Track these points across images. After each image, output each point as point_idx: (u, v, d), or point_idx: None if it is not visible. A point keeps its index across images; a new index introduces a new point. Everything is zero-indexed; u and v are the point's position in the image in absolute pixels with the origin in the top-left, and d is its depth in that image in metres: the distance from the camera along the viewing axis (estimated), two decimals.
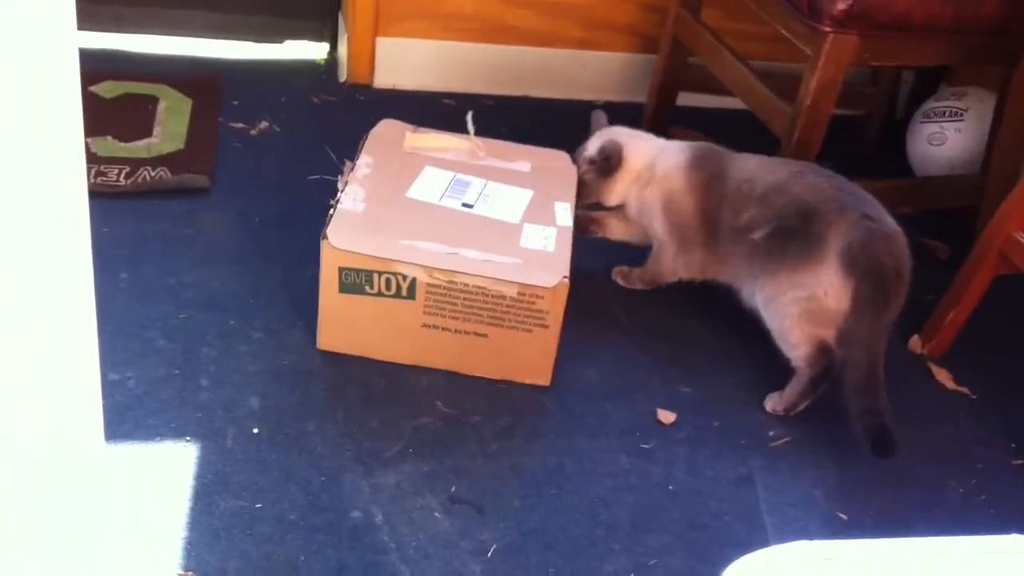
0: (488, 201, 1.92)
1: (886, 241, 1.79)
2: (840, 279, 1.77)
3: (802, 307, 1.80)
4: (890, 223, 1.83)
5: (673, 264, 2.04)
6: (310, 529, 1.52)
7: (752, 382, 1.94)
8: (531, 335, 1.80)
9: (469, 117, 2.05)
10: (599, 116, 2.18)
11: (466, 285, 1.75)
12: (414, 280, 1.75)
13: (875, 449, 1.75)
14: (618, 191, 2.07)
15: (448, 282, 1.75)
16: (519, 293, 1.75)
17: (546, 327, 1.79)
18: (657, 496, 1.68)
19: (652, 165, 2.03)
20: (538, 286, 1.75)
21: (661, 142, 2.09)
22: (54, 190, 0.91)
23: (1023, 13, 2.08)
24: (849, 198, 1.84)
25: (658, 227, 2.02)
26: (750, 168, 1.95)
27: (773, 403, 1.88)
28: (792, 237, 1.82)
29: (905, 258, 1.81)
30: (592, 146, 2.07)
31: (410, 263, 1.74)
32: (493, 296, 1.76)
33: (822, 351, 1.81)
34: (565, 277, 1.76)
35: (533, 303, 1.76)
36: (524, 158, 2.06)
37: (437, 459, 1.68)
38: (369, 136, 2.03)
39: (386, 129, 2.06)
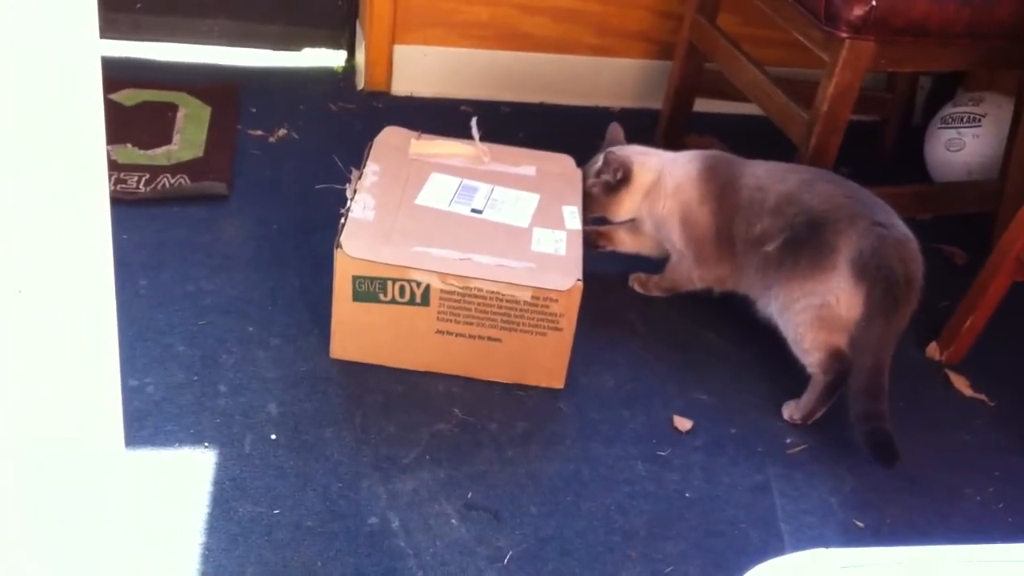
0: (496, 206, 1.93)
1: (897, 248, 1.79)
2: (851, 287, 1.78)
3: (814, 314, 1.81)
4: (901, 229, 1.83)
5: (691, 275, 2.04)
6: (328, 535, 1.53)
7: (769, 389, 1.94)
8: (545, 338, 1.80)
9: (473, 123, 2.06)
10: (615, 130, 2.16)
11: (480, 290, 1.76)
12: (428, 287, 1.76)
13: (878, 456, 1.76)
14: (626, 207, 2.05)
15: (462, 288, 1.76)
16: (533, 297, 1.76)
17: (560, 330, 1.79)
18: (674, 503, 1.68)
19: (662, 179, 2.01)
20: (552, 289, 1.76)
21: (669, 155, 2.07)
22: (77, 197, 0.92)
23: None
24: (859, 205, 1.84)
25: (676, 240, 2.02)
26: (761, 176, 1.94)
27: (790, 411, 1.88)
28: (804, 246, 1.82)
29: (916, 264, 1.81)
30: (601, 160, 2.06)
31: (424, 270, 1.75)
32: (507, 300, 1.77)
33: (836, 357, 1.81)
34: (579, 280, 1.77)
35: (547, 306, 1.77)
36: (529, 162, 2.07)
37: (454, 465, 1.68)
38: (374, 144, 2.04)
39: (390, 136, 2.07)
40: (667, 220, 2.01)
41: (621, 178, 2.02)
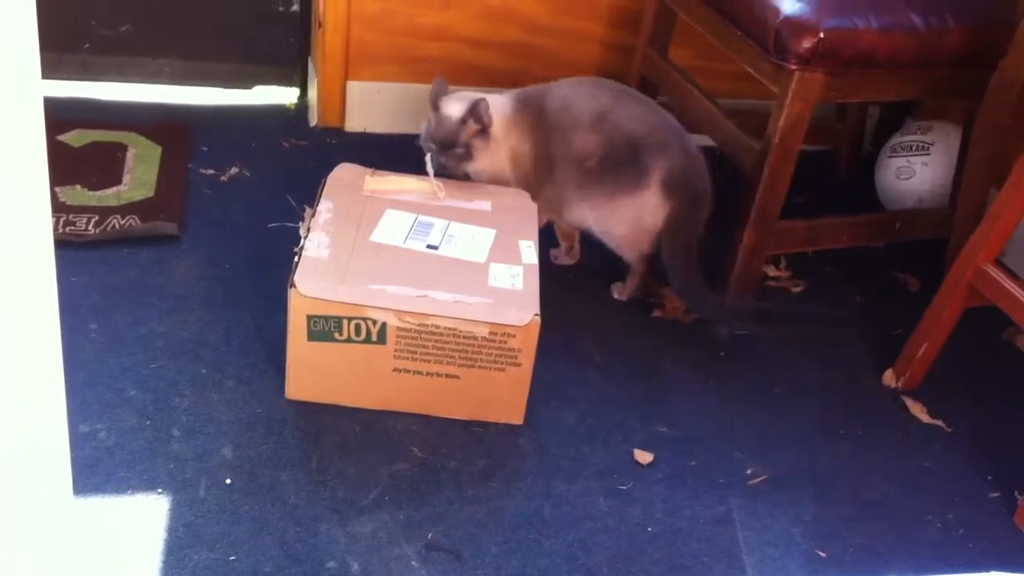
0: (452, 242, 1.91)
1: (697, 165, 2.12)
2: (662, 202, 2.07)
3: (632, 225, 2.11)
4: (695, 147, 2.14)
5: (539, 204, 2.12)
6: None
7: (729, 420, 1.94)
8: (504, 374, 1.79)
9: (428, 159, 2.06)
10: (441, 82, 2.17)
11: (437, 327, 1.74)
12: (384, 325, 1.74)
13: (763, 322, 2.15)
14: (492, 154, 2.13)
15: (419, 325, 1.74)
16: (491, 332, 1.75)
17: (519, 365, 1.78)
18: (636, 538, 1.67)
19: (495, 121, 2.12)
20: (510, 325, 1.75)
21: (492, 97, 2.15)
22: (19, 240, 0.90)
23: (986, 47, 2.11)
24: (668, 130, 2.12)
25: (510, 176, 2.15)
26: (566, 96, 2.13)
27: (619, 291, 2.23)
28: (623, 167, 2.07)
29: (708, 177, 2.13)
30: (453, 108, 2.10)
31: (380, 307, 1.73)
32: (465, 337, 1.75)
33: (648, 252, 2.15)
34: (536, 315, 1.76)
35: (505, 342, 1.76)
36: (483, 197, 2.06)
37: (414, 506, 1.66)
38: (327, 181, 2.02)
39: (344, 173, 2.05)
40: (503, 162, 2.14)
41: (489, 122, 2.10)
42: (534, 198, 2.09)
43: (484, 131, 2.09)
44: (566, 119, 2.10)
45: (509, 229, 1.98)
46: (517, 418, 1.84)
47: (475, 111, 2.07)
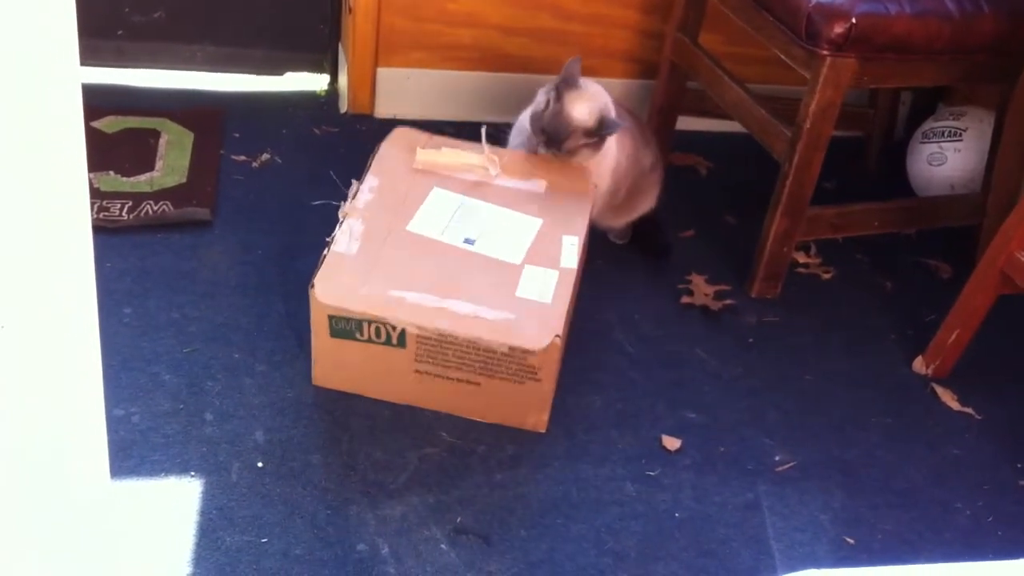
0: (491, 236, 1.87)
1: None
2: None
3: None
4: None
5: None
6: (316, 563, 1.52)
7: (757, 407, 1.94)
8: (524, 387, 1.75)
9: (483, 131, 2.01)
10: (574, 63, 2.03)
11: (456, 337, 1.72)
12: (404, 331, 1.73)
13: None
14: (594, 160, 2.08)
15: (438, 335, 1.72)
16: (510, 349, 1.72)
17: (538, 380, 1.74)
18: (664, 523, 1.67)
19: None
20: (528, 349, 1.71)
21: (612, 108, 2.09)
22: (58, 226, 0.91)
23: (1020, 32, 2.09)
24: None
25: (606, 188, 2.16)
26: (649, 137, 2.27)
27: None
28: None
29: None
30: (579, 111, 1.99)
31: (398, 319, 1.72)
32: (484, 350, 1.72)
33: None
34: (557, 336, 1.70)
35: (524, 359, 1.72)
36: (540, 175, 2.00)
37: (443, 490, 1.67)
38: (380, 149, 2.00)
39: (399, 139, 2.03)
40: (604, 170, 2.14)
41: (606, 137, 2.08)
42: (614, 199, 2.17)
43: (598, 143, 2.03)
44: (639, 165, 2.21)
45: (557, 219, 1.91)
46: (540, 427, 1.81)
47: (604, 126, 2.01)
